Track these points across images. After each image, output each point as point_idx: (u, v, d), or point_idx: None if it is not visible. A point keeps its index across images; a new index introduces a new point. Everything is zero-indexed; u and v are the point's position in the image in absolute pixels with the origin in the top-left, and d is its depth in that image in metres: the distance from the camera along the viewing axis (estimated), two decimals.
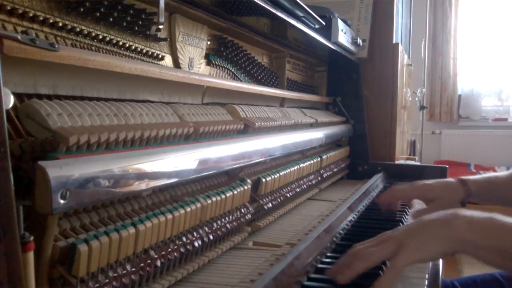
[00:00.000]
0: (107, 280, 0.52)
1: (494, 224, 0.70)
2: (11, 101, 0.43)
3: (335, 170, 1.55)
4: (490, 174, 1.15)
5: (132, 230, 0.54)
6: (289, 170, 1.08)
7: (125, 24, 0.73)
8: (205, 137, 0.76)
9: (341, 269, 0.71)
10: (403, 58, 1.95)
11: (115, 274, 0.53)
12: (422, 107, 2.98)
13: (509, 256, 0.67)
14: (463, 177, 1.10)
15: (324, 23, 1.26)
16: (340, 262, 0.74)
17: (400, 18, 2.41)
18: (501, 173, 1.12)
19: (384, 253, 0.70)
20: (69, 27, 0.63)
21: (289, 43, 1.43)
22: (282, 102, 1.35)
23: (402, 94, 1.96)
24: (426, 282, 0.77)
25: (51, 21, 0.60)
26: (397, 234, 0.73)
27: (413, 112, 2.61)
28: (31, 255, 0.43)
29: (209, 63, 1.01)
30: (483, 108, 4.09)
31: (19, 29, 0.55)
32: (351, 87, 1.80)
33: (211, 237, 0.74)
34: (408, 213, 1.17)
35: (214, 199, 0.73)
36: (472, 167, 3.80)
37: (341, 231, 1.00)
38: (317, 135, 1.32)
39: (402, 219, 1.15)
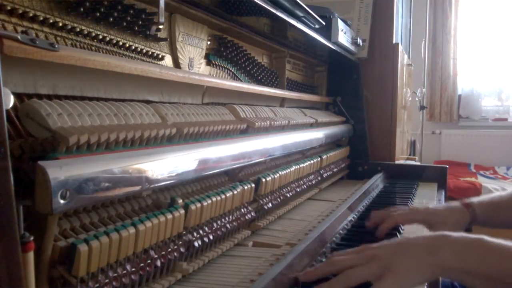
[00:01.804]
0: (107, 280, 0.52)
1: (484, 249, 0.67)
2: (11, 101, 0.43)
3: (335, 170, 1.55)
4: (493, 195, 1.07)
5: (132, 230, 0.54)
6: (289, 170, 1.08)
7: (125, 24, 0.73)
8: (205, 137, 0.76)
9: (316, 279, 0.69)
10: (403, 58, 1.95)
11: (115, 274, 0.53)
12: (422, 107, 2.98)
13: (500, 281, 0.65)
14: (466, 200, 1.03)
15: (324, 23, 1.26)
16: (316, 271, 0.71)
17: (400, 18, 2.41)
18: (503, 193, 1.05)
19: (367, 274, 0.68)
20: (69, 27, 0.63)
21: (289, 43, 1.43)
22: (282, 102, 1.35)
23: (402, 94, 1.96)
24: (426, 284, 0.77)
25: (51, 21, 0.60)
26: (383, 255, 0.69)
27: (413, 112, 2.61)
28: (31, 255, 0.43)
29: (209, 63, 1.01)
30: (483, 108, 4.08)
31: (19, 29, 0.55)
32: (351, 87, 1.80)
33: (211, 237, 0.74)
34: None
35: (214, 199, 0.73)
36: (472, 167, 3.80)
37: (341, 231, 1.00)
38: (317, 135, 1.32)
39: None
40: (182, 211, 0.65)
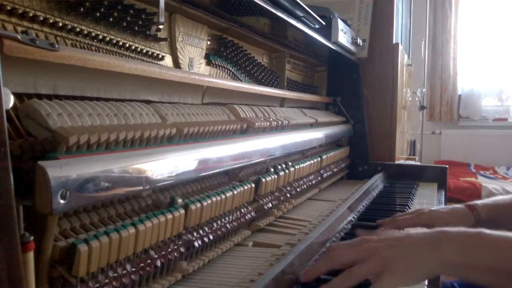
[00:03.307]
0: (107, 280, 0.52)
1: (484, 242, 0.67)
2: (11, 101, 0.43)
3: (335, 170, 1.55)
4: (497, 198, 1.07)
5: (132, 230, 0.54)
6: (289, 170, 1.08)
7: (125, 24, 0.73)
8: (205, 137, 0.76)
9: (319, 274, 0.69)
10: (403, 58, 1.95)
11: (115, 274, 0.53)
12: (422, 107, 2.98)
13: (503, 274, 0.64)
14: (471, 203, 1.03)
15: (324, 23, 1.26)
16: (316, 269, 0.71)
17: (400, 18, 2.41)
18: (507, 196, 1.06)
19: (367, 273, 0.67)
20: (69, 27, 0.63)
21: (289, 43, 1.43)
22: (282, 102, 1.35)
23: (402, 94, 1.96)
24: (426, 282, 0.77)
25: (51, 21, 0.60)
26: (383, 251, 0.69)
27: (413, 112, 2.61)
28: (31, 255, 0.43)
29: (209, 63, 1.01)
30: (483, 108, 4.08)
31: (19, 29, 0.55)
32: (351, 87, 1.80)
33: (211, 237, 0.74)
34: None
35: (214, 199, 0.73)
36: (472, 167, 3.80)
37: (341, 231, 1.00)
38: (317, 135, 1.32)
39: None
40: (182, 211, 0.65)
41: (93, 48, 0.67)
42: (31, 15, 0.57)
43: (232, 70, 1.11)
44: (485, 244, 0.67)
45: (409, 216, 1.02)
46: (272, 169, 1.03)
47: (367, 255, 0.69)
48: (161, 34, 0.82)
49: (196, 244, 0.70)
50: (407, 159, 2.06)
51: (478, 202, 1.03)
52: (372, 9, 1.81)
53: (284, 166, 1.09)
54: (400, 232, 0.74)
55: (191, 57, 0.92)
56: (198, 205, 0.69)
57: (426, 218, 1.00)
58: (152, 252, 0.60)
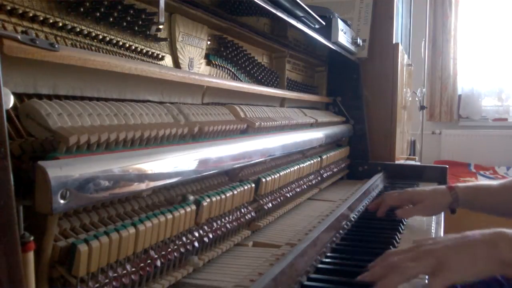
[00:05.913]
0: (107, 280, 0.52)
1: None
2: (11, 101, 0.43)
3: (335, 170, 1.55)
4: (483, 182, 1.20)
5: (132, 230, 0.54)
6: (289, 170, 1.08)
7: (125, 24, 0.73)
8: (205, 137, 0.76)
9: (376, 279, 0.69)
10: (403, 58, 1.95)
11: (115, 274, 0.53)
12: (422, 107, 2.98)
13: None
14: (452, 184, 1.13)
15: (324, 23, 1.26)
16: (375, 271, 0.71)
17: (400, 18, 2.41)
18: (495, 182, 1.14)
19: (423, 270, 0.69)
20: (69, 27, 0.63)
21: (289, 43, 1.43)
22: (282, 102, 1.35)
23: (402, 94, 1.96)
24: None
25: (51, 21, 0.60)
26: (438, 251, 0.70)
27: (413, 112, 2.61)
28: (31, 255, 0.43)
29: (209, 63, 1.01)
30: (483, 108, 4.08)
31: (19, 29, 0.55)
32: (351, 87, 1.80)
33: (211, 237, 0.74)
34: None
35: (214, 199, 0.73)
36: (472, 167, 3.79)
37: (341, 231, 1.00)
38: (317, 135, 1.32)
39: (403, 219, 1.15)
40: (182, 211, 0.65)
41: (93, 48, 0.67)
42: (31, 15, 0.57)
43: (232, 70, 1.11)
44: None
45: (394, 194, 1.15)
46: (272, 169, 1.03)
47: (424, 255, 0.70)
48: (161, 34, 0.82)
49: (196, 244, 0.70)
50: (407, 159, 2.06)
51: (460, 184, 1.14)
52: (372, 9, 1.81)
53: (284, 166, 1.09)
54: (456, 235, 0.76)
55: (191, 57, 0.92)
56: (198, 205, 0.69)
57: (409, 195, 1.13)
58: (152, 252, 0.60)
